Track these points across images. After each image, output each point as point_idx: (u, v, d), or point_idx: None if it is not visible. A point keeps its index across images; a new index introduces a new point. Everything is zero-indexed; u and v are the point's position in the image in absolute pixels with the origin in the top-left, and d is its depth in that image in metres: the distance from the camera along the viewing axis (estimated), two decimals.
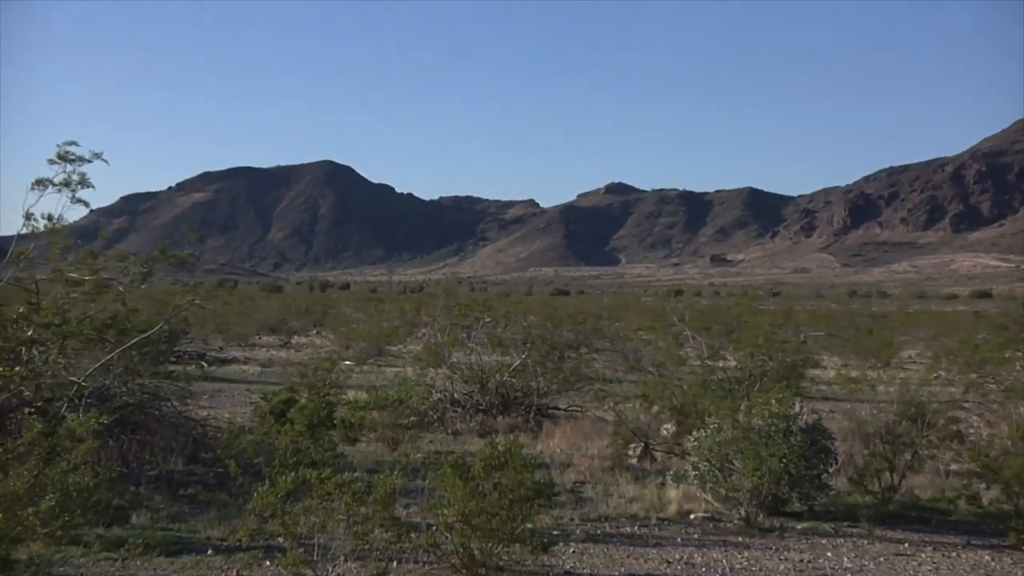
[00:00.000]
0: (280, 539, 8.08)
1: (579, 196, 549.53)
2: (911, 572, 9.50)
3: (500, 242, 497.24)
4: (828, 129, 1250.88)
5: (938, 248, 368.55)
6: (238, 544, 8.88)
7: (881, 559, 9.84)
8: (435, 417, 17.25)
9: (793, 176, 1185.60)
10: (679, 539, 10.31)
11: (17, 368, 11.11)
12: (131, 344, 12.08)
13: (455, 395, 18.42)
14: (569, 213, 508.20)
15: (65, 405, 11.37)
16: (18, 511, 7.08)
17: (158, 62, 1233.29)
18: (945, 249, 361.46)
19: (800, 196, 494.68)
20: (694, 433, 11.79)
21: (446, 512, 8.35)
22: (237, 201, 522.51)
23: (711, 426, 11.41)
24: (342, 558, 8.33)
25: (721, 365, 16.75)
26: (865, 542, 10.41)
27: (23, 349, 11.72)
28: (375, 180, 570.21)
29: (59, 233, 11.43)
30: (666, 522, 10.95)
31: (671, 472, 12.30)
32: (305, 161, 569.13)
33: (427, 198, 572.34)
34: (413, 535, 8.18)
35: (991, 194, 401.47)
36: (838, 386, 21.37)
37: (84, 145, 11.01)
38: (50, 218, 11.13)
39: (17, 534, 7.23)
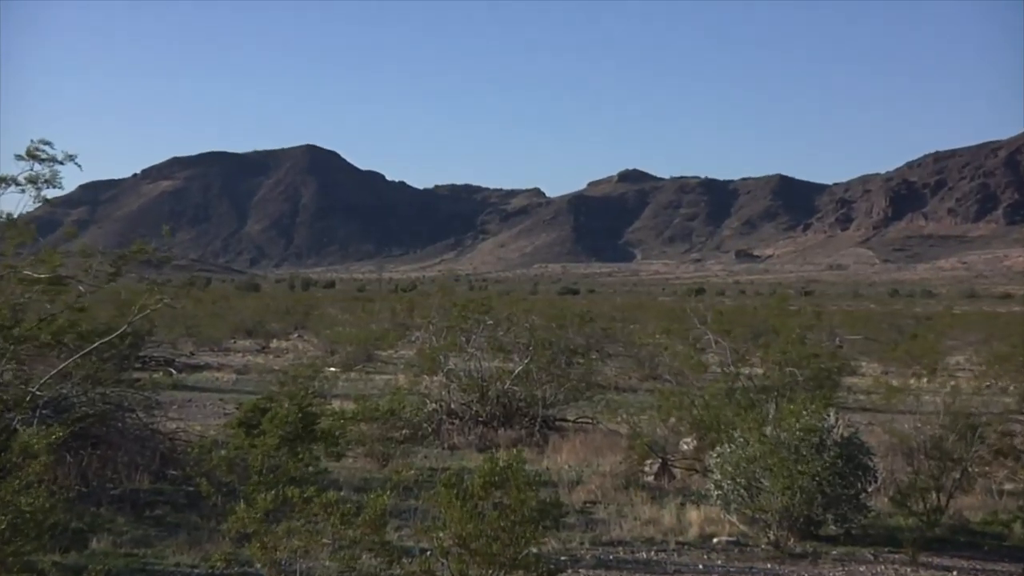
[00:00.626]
0: (258, 565, 8.10)
1: (589, 184, 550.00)
2: None
3: (502, 235, 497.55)
4: (867, 110, 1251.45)
5: (990, 242, 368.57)
6: (211, 571, 8.90)
7: None
8: (430, 430, 17.26)
9: (828, 162, 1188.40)
10: (700, 566, 10.31)
11: None
12: (91, 349, 12.09)
13: (452, 405, 18.42)
14: (578, 203, 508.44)
15: (17, 417, 11.38)
16: None
17: (121, 37, 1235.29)
18: (998, 243, 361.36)
19: (835, 184, 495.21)
20: (717, 448, 11.79)
21: (442, 535, 8.34)
22: (210, 190, 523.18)
23: (736, 440, 11.40)
24: None
25: (747, 372, 16.73)
26: (908, 570, 10.41)
27: None
28: (363, 167, 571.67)
29: (15, 227, 11.46)
30: (686, 547, 10.95)
31: (692, 491, 12.29)
32: (285, 145, 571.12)
33: (421, 187, 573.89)
34: (405, 561, 8.18)
35: None
36: (877, 396, 21.36)
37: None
38: (8, 216, 11.22)
39: None
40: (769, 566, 10.37)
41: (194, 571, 9.42)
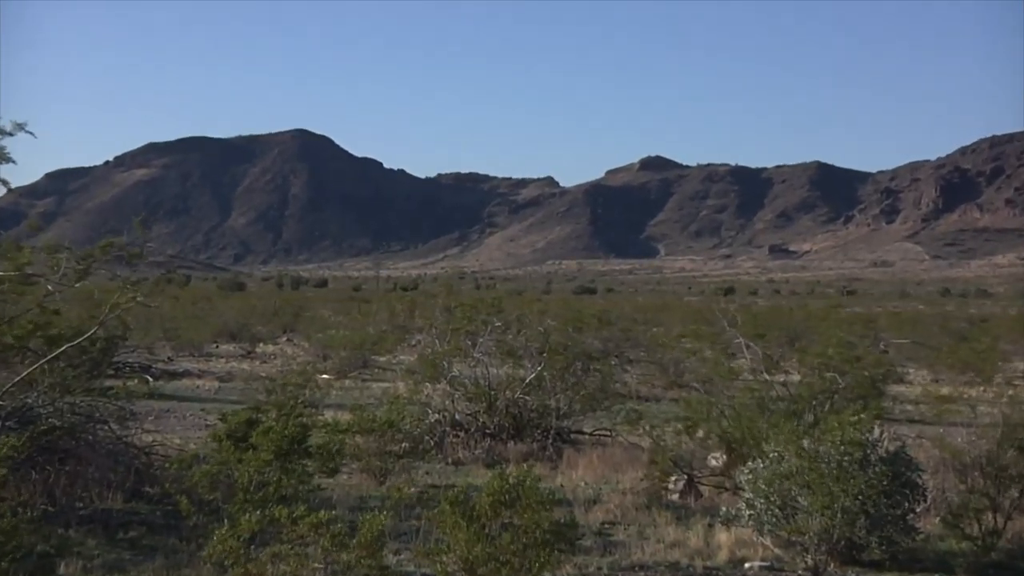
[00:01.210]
0: None
1: (608, 173, 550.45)
2: None
3: (511, 229, 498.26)
4: (915, 89, 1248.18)
5: None
6: None
7: None
8: (432, 443, 17.26)
9: (871, 148, 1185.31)
10: None
11: None
12: (59, 353, 12.11)
13: (456, 416, 18.43)
14: (595, 194, 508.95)
15: None
16: None
17: (91, 11, 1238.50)
18: None
19: (880, 172, 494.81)
20: (749, 464, 11.77)
21: (445, 559, 8.36)
22: (190, 179, 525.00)
23: (770, 455, 11.38)
24: None
25: (782, 380, 16.71)
26: None
27: None
28: (358, 153, 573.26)
29: None
30: (715, 572, 10.94)
31: (721, 511, 12.27)
32: (273, 130, 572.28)
33: (422, 175, 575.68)
34: None
35: None
36: (927, 406, 21.29)
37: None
38: None
39: None
40: None
41: None
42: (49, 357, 12.08)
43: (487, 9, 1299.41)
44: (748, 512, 11.36)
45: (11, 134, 11.25)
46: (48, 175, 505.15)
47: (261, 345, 43.92)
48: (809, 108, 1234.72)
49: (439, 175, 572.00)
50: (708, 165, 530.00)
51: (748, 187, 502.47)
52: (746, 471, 11.67)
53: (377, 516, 8.12)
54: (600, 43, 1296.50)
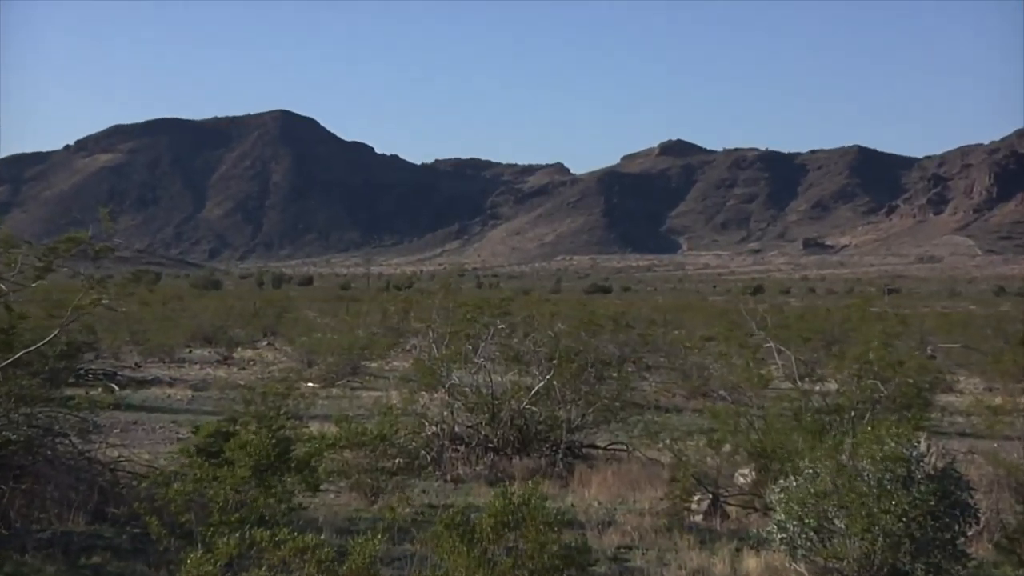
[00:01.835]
0: None
1: (624, 159, 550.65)
2: None
3: (517, 221, 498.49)
4: (964, 65, 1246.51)
5: None
6: None
7: None
8: (429, 458, 17.30)
9: (917, 131, 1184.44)
10: None
11: None
12: (15, 360, 12.13)
13: (456, 428, 18.46)
14: (611, 181, 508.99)
15: None
16: None
17: None
18: None
19: (927, 158, 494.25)
20: (780, 481, 11.77)
21: None
22: (159, 165, 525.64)
23: (804, 472, 11.39)
24: None
25: (818, 389, 16.71)
26: None
27: None
28: (347, 137, 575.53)
29: None
30: None
31: (749, 534, 12.29)
32: (252, 111, 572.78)
33: (418, 161, 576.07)
34: None
35: None
36: (978, 418, 21.29)
37: None
38: None
39: None
40: None
41: None
42: (3, 364, 12.09)
43: None
44: (780, 535, 11.36)
45: None
46: (2, 160, 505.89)
47: (239, 350, 44.01)
48: (848, 86, 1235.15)
49: (436, 161, 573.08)
50: (735, 150, 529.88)
51: (780, 174, 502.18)
52: (777, 490, 11.67)
53: (369, 540, 8.14)
54: (615, 15, 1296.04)
